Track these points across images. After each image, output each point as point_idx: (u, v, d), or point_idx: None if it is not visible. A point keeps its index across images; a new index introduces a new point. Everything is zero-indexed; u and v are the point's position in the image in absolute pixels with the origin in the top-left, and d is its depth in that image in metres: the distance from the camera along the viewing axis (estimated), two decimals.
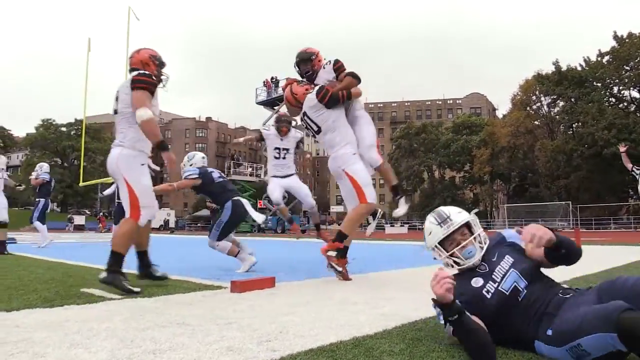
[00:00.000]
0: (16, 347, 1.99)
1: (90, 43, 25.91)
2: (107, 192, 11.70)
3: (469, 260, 2.01)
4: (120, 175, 3.70)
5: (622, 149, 9.48)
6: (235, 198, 5.23)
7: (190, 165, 5.44)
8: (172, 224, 44.07)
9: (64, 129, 63.02)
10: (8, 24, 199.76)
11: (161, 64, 3.99)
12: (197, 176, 5.20)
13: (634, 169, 9.11)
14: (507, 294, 1.86)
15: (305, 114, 4.53)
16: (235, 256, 5.13)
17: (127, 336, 2.18)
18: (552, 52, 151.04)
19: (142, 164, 3.77)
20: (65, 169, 61.09)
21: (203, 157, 5.56)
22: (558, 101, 43.53)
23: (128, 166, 3.68)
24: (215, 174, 5.42)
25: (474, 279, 1.96)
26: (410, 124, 61.65)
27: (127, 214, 3.69)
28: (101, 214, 42.85)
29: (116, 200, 12.80)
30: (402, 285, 4.12)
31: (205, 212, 40.73)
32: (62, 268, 5.47)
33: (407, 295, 3.44)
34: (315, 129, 4.50)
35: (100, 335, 2.19)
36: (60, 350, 1.95)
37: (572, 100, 40.71)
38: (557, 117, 43.49)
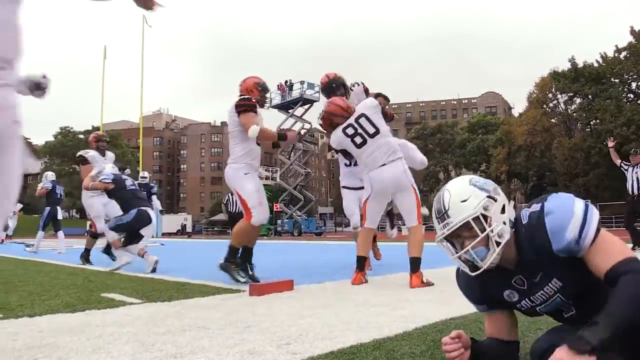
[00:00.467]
0: (40, 352, 2.02)
1: (106, 51, 26.38)
2: None
3: (480, 263, 1.48)
4: (232, 186, 4.39)
5: (610, 144, 9.26)
6: (142, 207, 5.82)
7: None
8: (189, 229, 44.46)
9: (81, 136, 63.66)
10: (24, 33, 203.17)
11: (264, 90, 4.59)
12: (110, 181, 5.89)
13: (622, 164, 8.89)
14: (544, 314, 1.59)
15: (362, 115, 4.25)
16: (142, 256, 5.58)
17: (148, 340, 2.20)
18: (568, 49, 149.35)
19: (246, 173, 4.35)
20: None
21: (112, 167, 6.33)
22: (575, 98, 42.85)
23: (235, 177, 4.35)
24: (128, 182, 6.13)
25: (508, 292, 1.56)
26: (425, 125, 61.37)
27: (245, 217, 4.31)
28: None
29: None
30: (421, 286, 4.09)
31: (221, 217, 40.92)
32: (83, 273, 5.54)
33: (427, 297, 3.42)
34: (372, 131, 4.23)
35: (121, 340, 2.21)
36: (83, 355, 1.97)
37: (590, 97, 40.08)
38: (575, 114, 42.84)
